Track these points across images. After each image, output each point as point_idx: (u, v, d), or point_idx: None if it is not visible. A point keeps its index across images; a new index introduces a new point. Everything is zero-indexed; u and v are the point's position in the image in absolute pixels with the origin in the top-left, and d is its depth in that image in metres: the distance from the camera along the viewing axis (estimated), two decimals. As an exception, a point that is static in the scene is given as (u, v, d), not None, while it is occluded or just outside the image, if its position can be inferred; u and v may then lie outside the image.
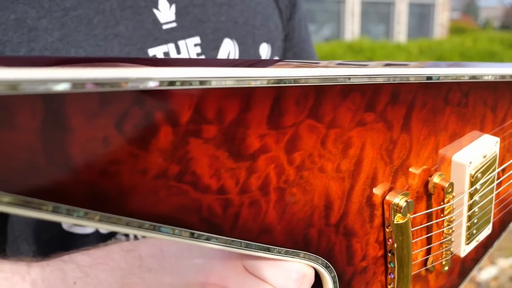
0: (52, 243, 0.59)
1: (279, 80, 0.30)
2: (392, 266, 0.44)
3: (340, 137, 0.36)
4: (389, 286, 0.46)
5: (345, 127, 0.36)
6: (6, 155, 0.22)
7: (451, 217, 0.46)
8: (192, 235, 0.30)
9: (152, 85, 0.25)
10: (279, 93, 0.31)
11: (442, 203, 0.46)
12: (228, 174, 0.30)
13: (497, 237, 0.60)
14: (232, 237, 0.32)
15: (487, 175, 0.49)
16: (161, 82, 0.25)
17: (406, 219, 0.42)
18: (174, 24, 0.57)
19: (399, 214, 0.41)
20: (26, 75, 0.21)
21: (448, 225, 0.47)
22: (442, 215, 0.46)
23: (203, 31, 0.59)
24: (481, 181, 0.48)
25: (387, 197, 0.41)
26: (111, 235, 0.59)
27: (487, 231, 0.54)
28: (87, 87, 0.23)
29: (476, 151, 0.47)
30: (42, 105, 0.22)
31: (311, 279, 0.38)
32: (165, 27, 0.57)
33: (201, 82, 0.27)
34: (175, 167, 0.28)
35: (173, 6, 0.58)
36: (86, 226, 0.26)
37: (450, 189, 0.45)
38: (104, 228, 0.27)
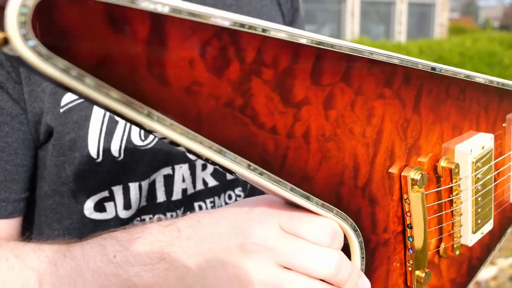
0: (73, 228, 0.61)
1: (320, 42, 0.37)
2: (411, 240, 0.48)
3: (365, 104, 0.42)
4: (408, 263, 0.49)
5: (369, 96, 0.42)
6: (118, 56, 0.27)
7: (459, 197, 0.51)
8: (249, 167, 0.34)
9: (227, 23, 0.31)
10: (319, 53, 0.37)
11: (450, 184, 0.51)
12: (279, 116, 0.36)
13: (498, 240, 0.64)
14: (280, 177, 0.36)
15: (486, 166, 0.54)
16: (234, 23, 0.32)
17: (421, 191, 0.47)
18: None
19: (415, 187, 0.46)
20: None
21: (456, 206, 0.51)
22: (451, 195, 0.51)
23: None
24: (482, 170, 0.53)
25: (403, 172, 0.46)
26: (131, 220, 0.61)
27: (489, 226, 0.58)
28: (183, 14, 0.29)
29: (475, 143, 0.53)
30: (149, 22, 0.28)
31: (341, 238, 0.42)
32: None
33: (263, 30, 0.33)
34: (239, 99, 0.33)
35: None
36: (167, 137, 0.30)
37: (457, 170, 0.50)
38: (182, 143, 0.31)
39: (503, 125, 0.61)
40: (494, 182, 0.60)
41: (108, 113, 0.57)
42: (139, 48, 0.28)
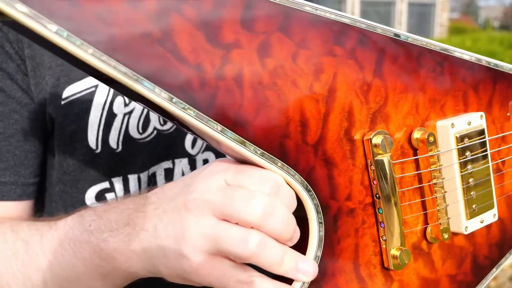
0: None
1: (250, -10, 0.38)
2: (380, 212, 0.45)
3: (311, 58, 0.41)
4: (382, 240, 0.45)
5: (315, 51, 0.42)
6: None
7: (437, 169, 0.47)
8: (171, 99, 0.35)
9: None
10: (250, 2, 0.38)
11: (430, 160, 0.47)
12: (205, 55, 0.37)
13: (514, 241, 0.57)
14: (208, 116, 0.36)
15: (477, 144, 0.50)
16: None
17: (386, 156, 0.44)
18: None
19: (379, 151, 0.44)
20: None
21: (436, 180, 0.47)
22: (430, 168, 0.47)
23: None
24: (470, 149, 0.49)
25: (365, 136, 0.44)
26: None
27: (492, 217, 0.52)
28: None
29: (459, 118, 0.50)
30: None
31: (287, 193, 0.40)
32: None
33: (183, -30, 0.35)
34: (158, 33, 0.35)
35: None
36: (76, 56, 0.32)
37: (432, 139, 0.47)
38: (93, 64, 0.33)
39: (507, 114, 0.57)
40: (499, 172, 0.55)
41: (107, 106, 0.61)
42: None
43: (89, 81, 0.59)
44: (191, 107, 0.36)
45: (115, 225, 0.45)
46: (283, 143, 0.40)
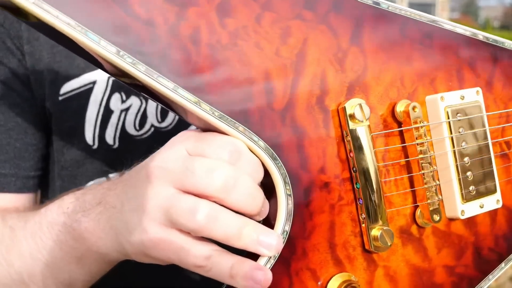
0: None
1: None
2: (358, 187, 0.41)
3: (277, 21, 0.40)
4: (361, 218, 0.41)
5: (282, 14, 0.40)
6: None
7: (423, 143, 0.43)
8: (118, 52, 0.34)
9: None
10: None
11: (415, 133, 0.43)
12: (157, 10, 0.35)
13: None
14: (161, 73, 0.35)
15: (473, 120, 0.46)
16: None
17: (362, 125, 0.41)
18: None
19: (355, 120, 0.41)
20: None
21: (423, 155, 0.43)
22: (417, 145, 0.43)
23: None
24: (465, 125, 0.45)
25: (341, 105, 0.41)
26: None
27: (495, 203, 0.47)
28: None
29: (450, 92, 0.46)
30: None
31: (248, 160, 0.37)
32: None
33: None
34: (106, -15, 0.34)
35: None
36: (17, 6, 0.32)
37: (415, 111, 0.43)
38: (33, 13, 0.32)
39: (515, 95, 0.52)
40: (504, 155, 0.50)
41: (104, 103, 0.61)
42: None
43: (87, 78, 0.60)
44: (141, 62, 0.35)
45: (88, 205, 0.44)
46: (245, 107, 0.38)
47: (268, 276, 0.35)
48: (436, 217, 0.43)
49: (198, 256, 0.36)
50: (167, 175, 0.37)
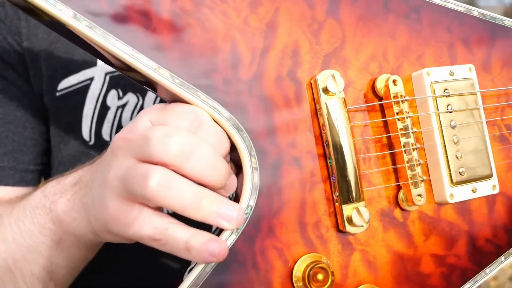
0: None
1: None
2: (331, 163, 0.39)
3: (245, -10, 0.38)
4: (334, 196, 0.39)
5: (251, -17, 0.39)
6: None
7: (403, 117, 0.40)
8: (74, 16, 0.34)
9: None
10: None
11: (396, 109, 0.41)
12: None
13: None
14: (120, 38, 0.34)
15: (465, 98, 0.43)
16: None
17: (335, 97, 0.38)
18: None
19: (328, 92, 0.39)
20: None
21: (405, 131, 0.40)
22: (398, 121, 0.41)
23: None
24: (454, 102, 0.42)
25: (314, 78, 0.39)
26: None
27: (490, 188, 0.43)
28: None
29: (438, 68, 0.43)
30: None
31: (214, 131, 0.36)
32: None
33: None
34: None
35: None
36: None
37: (397, 83, 0.40)
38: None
39: (518, 78, 0.49)
40: (504, 140, 0.47)
41: (101, 99, 0.61)
42: None
43: (85, 74, 0.60)
44: (98, 26, 0.34)
45: (67, 186, 0.44)
46: (209, 75, 0.37)
47: (224, 247, 0.33)
48: (419, 199, 0.40)
49: (153, 229, 0.34)
50: (128, 146, 0.36)
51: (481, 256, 0.44)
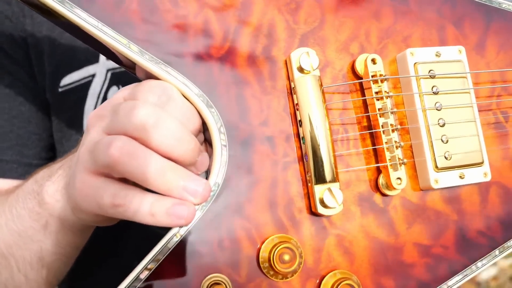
0: None
1: None
2: (304, 142, 0.38)
3: (219, -32, 0.38)
4: (307, 177, 0.38)
5: (226, -39, 0.39)
6: None
7: (382, 96, 0.39)
8: (45, -10, 0.34)
9: None
10: None
11: (374, 88, 0.39)
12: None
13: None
14: (93, 15, 0.35)
15: (454, 80, 0.41)
16: None
17: (309, 74, 0.38)
18: None
19: (302, 70, 0.38)
20: None
21: (384, 111, 0.39)
22: (376, 100, 0.39)
23: None
24: (440, 83, 0.40)
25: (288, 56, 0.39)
26: None
27: (481, 175, 0.41)
28: None
29: (423, 48, 0.41)
30: None
31: (182, 106, 0.35)
32: None
33: None
34: None
35: None
36: None
37: (376, 62, 0.39)
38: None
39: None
40: (502, 128, 0.44)
41: (102, 95, 0.62)
42: None
43: (87, 71, 0.61)
44: (70, 2, 0.35)
45: (54, 170, 0.45)
46: (178, 51, 0.37)
47: (192, 210, 0.32)
48: (398, 183, 0.38)
49: (112, 195, 0.34)
50: (99, 122, 0.36)
51: (472, 248, 0.42)
